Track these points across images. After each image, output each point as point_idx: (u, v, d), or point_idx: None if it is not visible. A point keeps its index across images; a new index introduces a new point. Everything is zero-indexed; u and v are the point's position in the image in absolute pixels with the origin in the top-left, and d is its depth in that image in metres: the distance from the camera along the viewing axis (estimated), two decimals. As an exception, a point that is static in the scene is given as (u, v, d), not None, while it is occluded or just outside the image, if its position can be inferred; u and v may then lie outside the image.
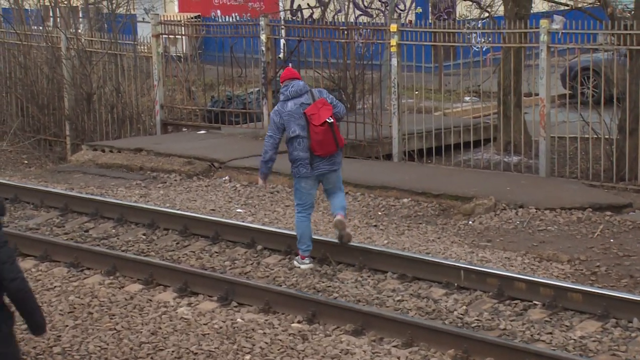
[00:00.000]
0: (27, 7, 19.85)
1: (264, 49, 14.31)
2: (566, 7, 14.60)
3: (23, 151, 15.96)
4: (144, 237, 9.82)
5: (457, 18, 20.09)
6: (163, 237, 9.81)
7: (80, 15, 19.56)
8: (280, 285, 8.27)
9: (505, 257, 9.01)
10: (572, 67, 16.26)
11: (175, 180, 12.52)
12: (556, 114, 12.35)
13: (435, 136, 13.05)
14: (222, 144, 14.01)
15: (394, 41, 12.98)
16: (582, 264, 8.87)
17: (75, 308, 7.92)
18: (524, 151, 12.58)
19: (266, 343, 7.08)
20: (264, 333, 7.26)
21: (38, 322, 5.26)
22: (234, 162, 12.67)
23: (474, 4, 17.08)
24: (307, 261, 8.70)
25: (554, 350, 6.80)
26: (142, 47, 15.85)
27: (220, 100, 15.90)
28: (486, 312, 7.61)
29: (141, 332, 7.37)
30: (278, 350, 6.98)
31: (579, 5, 14.56)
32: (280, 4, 23.48)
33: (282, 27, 15.06)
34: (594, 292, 7.67)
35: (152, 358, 6.94)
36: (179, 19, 16.43)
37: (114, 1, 18.56)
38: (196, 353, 6.96)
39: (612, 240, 9.53)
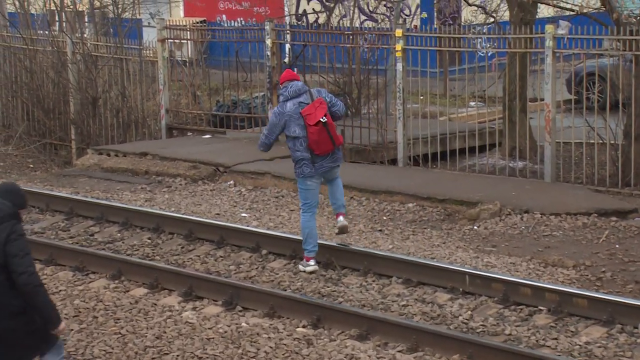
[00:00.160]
0: (33, 11, 19.91)
1: (269, 53, 14.33)
2: (572, 13, 14.58)
3: (29, 155, 15.99)
4: (149, 241, 9.82)
5: (462, 23, 20.09)
6: (168, 241, 9.82)
7: (86, 19, 19.59)
8: (285, 290, 8.27)
9: (511, 263, 9.00)
10: (578, 73, 16.25)
11: (181, 184, 12.53)
12: (561, 119, 12.34)
13: (440, 141, 13.04)
14: (227, 148, 14.02)
15: (399, 46, 12.99)
16: (587, 270, 8.86)
17: (80, 312, 7.93)
18: (529, 156, 12.57)
19: (271, 347, 7.08)
20: (269, 337, 7.26)
21: (47, 317, 5.29)
22: (239, 167, 12.68)
23: (480, 9, 17.08)
24: (312, 263, 8.70)
25: (559, 355, 6.79)
26: (147, 52, 15.87)
27: (226, 105, 15.92)
28: (491, 317, 7.60)
29: (146, 336, 7.37)
30: (283, 354, 6.98)
31: (585, 11, 14.54)
32: (286, 8, 23.51)
33: (288, 31, 15.06)
34: (600, 297, 7.66)
35: (156, 362, 6.94)
36: (184, 23, 16.47)
37: (119, 6, 18.60)
38: (201, 357, 6.96)
39: (617, 246, 9.51)
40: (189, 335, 7.38)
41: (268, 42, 14.32)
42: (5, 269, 5.15)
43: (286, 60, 16.17)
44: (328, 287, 8.34)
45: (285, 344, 7.14)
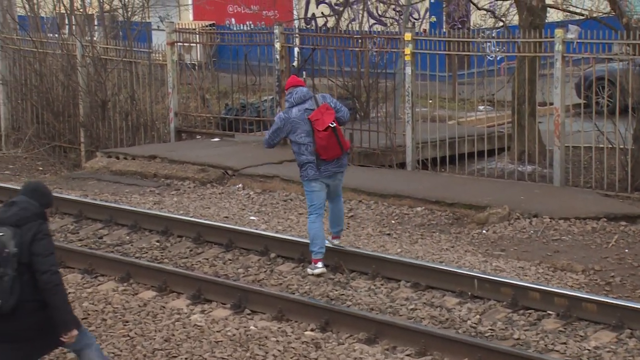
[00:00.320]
0: (43, 14, 19.97)
1: (278, 57, 14.34)
2: (581, 17, 14.56)
3: (38, 158, 16.04)
4: (157, 244, 9.84)
5: (471, 27, 20.06)
6: (177, 244, 9.83)
7: (96, 23, 19.64)
8: (294, 293, 8.27)
9: (519, 267, 8.99)
10: (587, 77, 16.21)
11: (189, 187, 12.55)
12: (571, 123, 12.32)
13: (449, 145, 13.03)
14: (235, 151, 14.04)
15: (408, 50, 12.99)
16: (596, 274, 8.84)
17: (89, 314, 7.94)
18: (538, 160, 12.54)
19: (279, 351, 7.08)
20: (277, 341, 7.26)
21: (62, 318, 5.34)
22: (248, 170, 12.69)
23: (489, 13, 17.06)
24: (320, 265, 8.70)
25: (568, 360, 6.77)
26: (156, 55, 15.91)
27: (234, 108, 15.94)
28: (500, 321, 7.58)
29: (154, 338, 7.38)
30: (291, 358, 6.98)
31: (594, 15, 14.51)
32: (295, 12, 23.53)
33: (297, 35, 15.08)
34: (609, 302, 7.64)
35: (165, 365, 6.95)
36: (193, 27, 16.49)
37: (129, 9, 18.65)
38: (209, 360, 6.97)
39: (626, 251, 9.49)
40: (197, 338, 7.38)
41: (277, 45, 14.34)
42: (30, 268, 5.21)
43: (295, 63, 16.18)
44: (336, 290, 8.34)
45: (293, 348, 7.13)
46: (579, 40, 11.84)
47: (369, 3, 20.42)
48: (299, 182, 11.24)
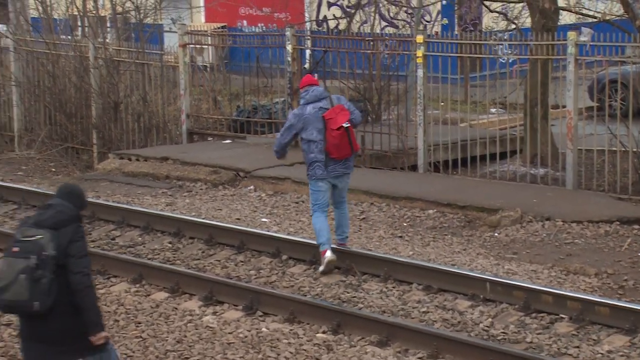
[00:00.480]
0: (56, 16, 20.04)
1: (289, 59, 14.35)
2: (594, 20, 14.51)
3: (50, 159, 16.08)
4: (169, 245, 9.86)
5: (483, 30, 20.04)
6: (189, 245, 9.85)
7: (108, 24, 19.70)
8: (305, 295, 8.27)
9: (532, 270, 8.96)
10: (600, 80, 16.16)
11: (201, 189, 12.57)
12: (583, 126, 12.28)
13: (461, 147, 13.01)
14: (247, 153, 14.05)
15: (420, 52, 12.98)
16: (609, 278, 8.80)
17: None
18: (550, 163, 12.51)
19: (291, 353, 7.08)
20: (289, 343, 7.27)
21: (92, 320, 5.42)
22: (259, 172, 12.71)
23: (501, 15, 17.03)
24: (328, 254, 8.72)
25: (581, 364, 6.75)
26: (168, 57, 15.95)
27: (246, 110, 15.96)
28: (512, 324, 7.57)
29: (167, 340, 7.40)
30: (303, 360, 6.98)
31: (607, 18, 14.46)
32: (306, 14, 23.54)
33: (308, 37, 15.08)
34: (622, 306, 7.61)
35: (177, 366, 6.96)
36: (205, 29, 16.52)
37: (141, 11, 18.70)
38: (221, 362, 6.97)
39: (639, 254, 9.45)
40: (209, 339, 7.39)
41: (289, 47, 14.35)
42: (65, 270, 5.31)
43: (307, 66, 16.18)
44: (348, 292, 8.33)
45: (305, 350, 7.14)
46: (591, 43, 11.80)
47: (380, 5, 20.42)
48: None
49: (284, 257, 9.27)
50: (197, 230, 10.02)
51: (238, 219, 10.85)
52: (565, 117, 11.93)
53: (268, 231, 10.03)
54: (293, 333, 7.46)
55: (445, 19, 22.60)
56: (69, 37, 17.62)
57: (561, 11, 14.23)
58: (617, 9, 16.31)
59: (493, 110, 15.87)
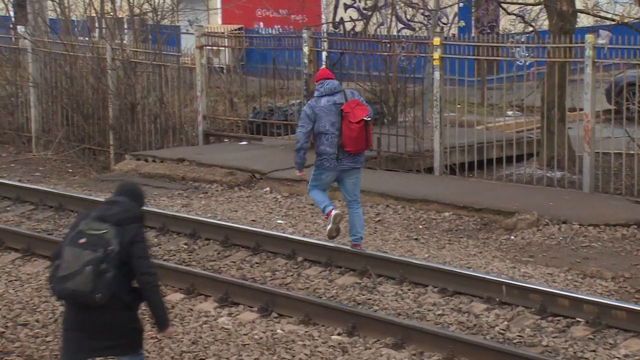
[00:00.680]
0: (73, 18, 20.14)
1: (306, 61, 14.36)
2: (612, 22, 14.44)
3: (68, 160, 16.16)
4: (185, 246, 9.88)
5: (500, 32, 19.98)
6: (204, 247, 9.87)
7: (126, 26, 19.78)
8: (321, 297, 8.27)
9: (548, 273, 8.92)
10: (618, 83, 16.08)
11: (217, 190, 12.59)
12: (601, 129, 12.22)
13: (477, 150, 12.97)
14: (263, 155, 14.07)
15: (436, 54, 12.96)
16: (626, 282, 8.76)
17: (117, 316, 7.98)
18: (567, 166, 12.45)
19: (306, 355, 7.08)
20: (304, 345, 7.26)
21: (161, 317, 5.60)
22: (275, 174, 12.72)
23: (518, 18, 16.97)
24: (334, 211, 8.87)
25: (597, 368, 6.71)
26: (185, 59, 15.99)
27: (262, 112, 15.98)
28: (528, 328, 7.54)
29: (182, 341, 7.41)
30: (318, 362, 6.97)
31: (626, 21, 14.39)
32: (323, 16, 23.54)
33: (325, 39, 15.09)
34: (639, 310, 7.56)
35: (192, 367, 6.97)
36: (222, 30, 16.56)
37: (159, 13, 18.76)
38: (236, 363, 6.98)
39: (657, 258, 9.39)
40: (224, 341, 7.40)
41: (305, 49, 14.36)
42: (126, 267, 5.39)
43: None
44: (363, 295, 8.32)
45: (320, 352, 7.13)
46: (609, 46, 11.74)
47: (397, 7, 20.39)
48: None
49: (300, 258, 9.28)
50: (212, 232, 10.03)
51: (253, 220, 10.87)
52: (583, 120, 11.88)
53: (283, 233, 10.04)
54: (308, 335, 7.46)
55: (462, 21, 22.55)
56: (87, 38, 17.69)
57: (579, 14, 14.16)
58: (636, 12, 16.23)
59: (510, 113, 15.81)
